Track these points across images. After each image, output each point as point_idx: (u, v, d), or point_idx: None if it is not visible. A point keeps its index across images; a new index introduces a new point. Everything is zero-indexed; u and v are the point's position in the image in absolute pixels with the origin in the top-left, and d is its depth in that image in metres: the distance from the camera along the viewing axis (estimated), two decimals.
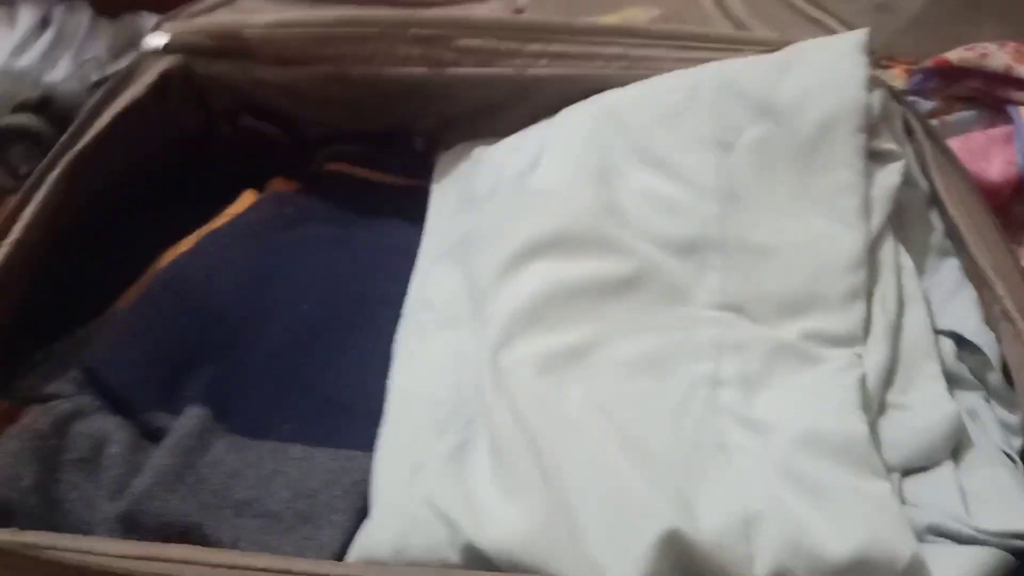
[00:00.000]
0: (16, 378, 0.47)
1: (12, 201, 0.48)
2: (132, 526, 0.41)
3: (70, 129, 0.52)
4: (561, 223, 0.48)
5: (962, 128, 0.66)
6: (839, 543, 0.35)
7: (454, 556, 0.37)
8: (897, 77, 0.70)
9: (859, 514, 0.36)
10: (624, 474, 0.38)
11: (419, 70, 0.58)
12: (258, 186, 0.61)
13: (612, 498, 0.37)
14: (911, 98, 0.63)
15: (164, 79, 0.57)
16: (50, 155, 0.51)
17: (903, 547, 0.35)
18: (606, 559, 0.35)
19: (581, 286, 0.46)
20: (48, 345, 0.49)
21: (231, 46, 0.57)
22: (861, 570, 0.35)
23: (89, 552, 0.35)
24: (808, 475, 0.38)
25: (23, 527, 0.36)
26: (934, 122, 0.64)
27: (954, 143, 0.62)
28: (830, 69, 0.48)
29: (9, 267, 0.45)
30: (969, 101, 0.67)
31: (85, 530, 0.41)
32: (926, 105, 0.67)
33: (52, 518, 0.41)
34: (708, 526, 0.36)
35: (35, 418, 0.44)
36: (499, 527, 0.36)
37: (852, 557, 0.35)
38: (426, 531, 0.38)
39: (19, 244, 0.47)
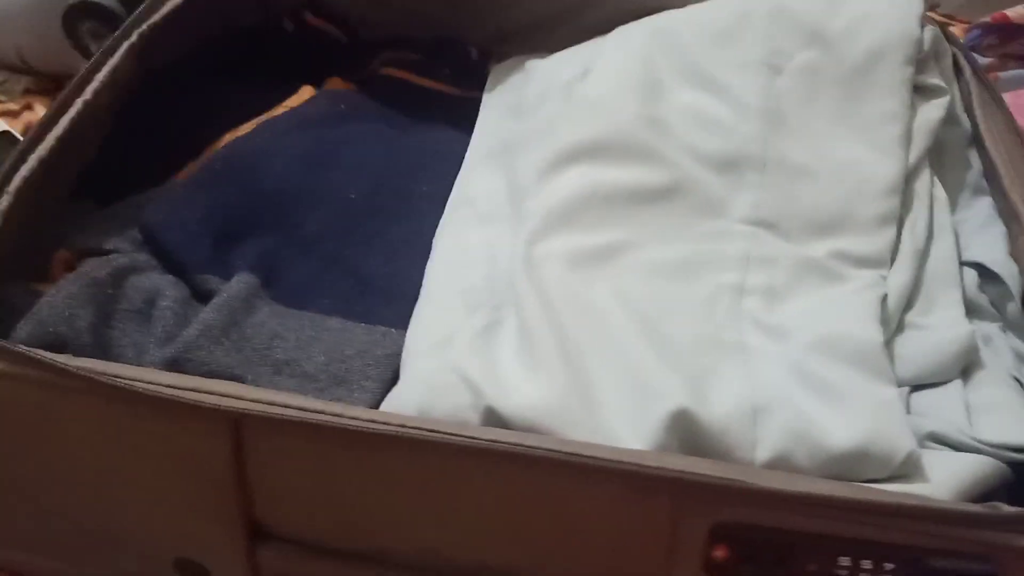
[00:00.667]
0: (76, 233, 0.49)
1: (86, 64, 0.50)
2: (178, 372, 0.43)
3: (143, 5, 0.55)
4: (604, 130, 0.49)
5: (1014, 86, 0.66)
6: (841, 434, 0.37)
7: (475, 419, 0.39)
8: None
9: (864, 411, 0.38)
10: (643, 356, 0.39)
11: None
12: (315, 85, 0.63)
13: (629, 376, 0.38)
14: None
15: None
16: (123, 27, 0.53)
17: (901, 443, 0.36)
18: (619, 428, 0.37)
19: (619, 191, 0.47)
20: (107, 208, 0.52)
21: None
22: (859, 461, 0.36)
23: (138, 380, 0.37)
24: (819, 375, 0.39)
25: None
26: None
27: (1004, 98, 0.62)
28: (885, 1, 0.49)
29: (79, 124, 0.48)
30: None
31: None
32: (981, 61, 0.67)
33: (104, 359, 0.44)
34: (718, 410, 0.38)
35: (93, 267, 0.46)
36: (521, 395, 0.38)
37: (852, 448, 0.36)
38: (450, 395, 0.40)
39: (88, 105, 0.49)
